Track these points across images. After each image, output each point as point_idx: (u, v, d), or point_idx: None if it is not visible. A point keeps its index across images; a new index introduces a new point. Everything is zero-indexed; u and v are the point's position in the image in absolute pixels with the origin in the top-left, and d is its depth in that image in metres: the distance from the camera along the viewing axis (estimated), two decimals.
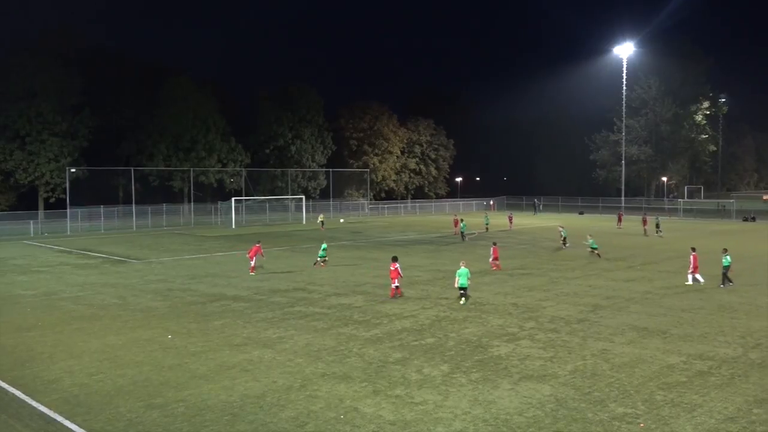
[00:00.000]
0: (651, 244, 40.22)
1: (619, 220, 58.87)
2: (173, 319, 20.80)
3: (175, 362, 15.95)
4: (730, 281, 25.61)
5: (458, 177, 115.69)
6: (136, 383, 14.42)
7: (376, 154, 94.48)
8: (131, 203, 64.28)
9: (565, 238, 40.81)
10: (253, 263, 29.56)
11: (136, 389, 14.06)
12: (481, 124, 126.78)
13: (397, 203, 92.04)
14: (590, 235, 38.59)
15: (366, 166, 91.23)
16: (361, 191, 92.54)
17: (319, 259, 31.85)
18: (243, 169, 77.10)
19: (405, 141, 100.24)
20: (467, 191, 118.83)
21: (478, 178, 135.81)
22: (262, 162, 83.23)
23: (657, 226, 50.74)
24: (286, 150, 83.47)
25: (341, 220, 65.38)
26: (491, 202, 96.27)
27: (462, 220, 48.64)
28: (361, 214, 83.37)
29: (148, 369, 15.41)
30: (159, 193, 72.84)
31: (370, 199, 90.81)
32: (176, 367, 15.53)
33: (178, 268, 32.29)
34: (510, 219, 55.02)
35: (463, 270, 22.78)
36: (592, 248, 36.06)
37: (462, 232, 44.46)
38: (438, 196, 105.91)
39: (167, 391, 13.90)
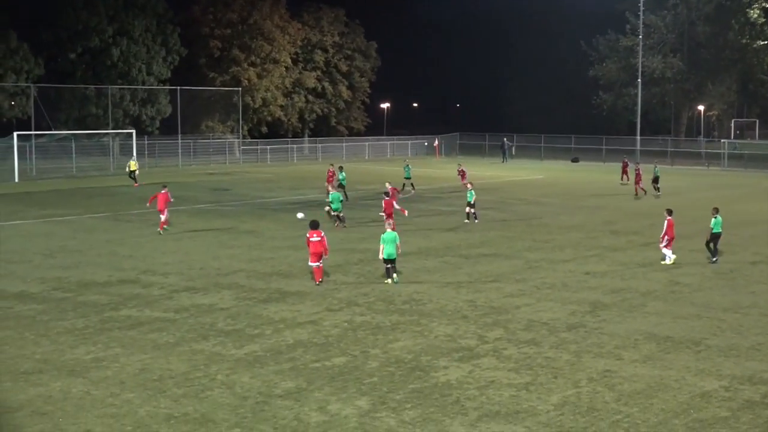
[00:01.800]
0: (676, 209, 41.59)
1: (624, 171, 60.74)
2: None
3: None
4: (714, 255, 29.12)
5: (384, 102, 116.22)
6: None
7: (253, 64, 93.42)
8: None
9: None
10: (164, 217, 35.40)
11: None
12: (422, 18, 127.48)
13: (287, 143, 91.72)
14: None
15: (237, 83, 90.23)
16: (228, 124, 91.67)
17: (334, 213, 36.80)
18: (31, 86, 74.91)
19: (299, 43, 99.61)
20: (399, 125, 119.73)
21: (415, 104, 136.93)
22: (64, 75, 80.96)
23: (655, 180, 52.64)
24: (105, 55, 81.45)
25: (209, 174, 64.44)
26: (435, 143, 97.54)
27: (341, 168, 50.15)
28: (229, 161, 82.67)
29: None
30: None
31: (244, 137, 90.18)
32: None
33: None
34: (462, 174, 55.45)
35: (389, 234, 24.92)
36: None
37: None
38: (352, 133, 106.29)
39: None
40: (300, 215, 32.53)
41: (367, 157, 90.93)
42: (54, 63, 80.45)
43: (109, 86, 79.26)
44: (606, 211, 44.13)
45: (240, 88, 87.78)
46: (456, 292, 24.38)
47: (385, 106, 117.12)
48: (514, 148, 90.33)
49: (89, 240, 33.80)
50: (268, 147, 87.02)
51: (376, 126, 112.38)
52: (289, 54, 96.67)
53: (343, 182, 47.99)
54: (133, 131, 71.92)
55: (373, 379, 16.80)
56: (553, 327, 20.64)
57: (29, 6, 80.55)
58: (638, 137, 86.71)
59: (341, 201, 38.04)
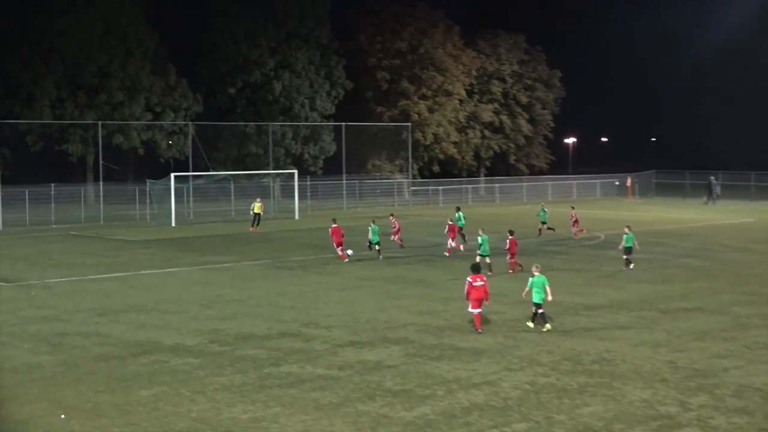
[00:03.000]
0: None
1: None
2: (69, 385, 20.84)
3: None
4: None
5: (569, 137, 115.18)
6: None
7: (424, 97, 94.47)
8: None
9: None
10: (341, 251, 41.45)
11: None
12: (612, 42, 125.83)
13: (461, 182, 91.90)
14: None
15: (406, 118, 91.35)
16: (396, 162, 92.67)
17: (371, 243, 43.11)
18: (189, 124, 77.76)
19: (474, 73, 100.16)
20: (585, 162, 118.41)
21: (604, 139, 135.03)
22: (223, 111, 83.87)
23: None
24: (266, 90, 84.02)
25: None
26: (628, 182, 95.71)
27: (458, 209, 51.97)
28: (398, 202, 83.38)
29: None
30: (44, 164, 73.78)
31: (413, 176, 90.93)
32: None
33: (78, 297, 32.74)
34: (574, 221, 52.86)
35: (538, 278, 26.32)
36: None
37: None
38: (533, 171, 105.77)
39: None
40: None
41: (550, 198, 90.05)
42: (213, 99, 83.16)
43: (270, 123, 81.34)
44: None
45: (410, 124, 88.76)
46: (653, 352, 23.69)
47: (570, 141, 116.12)
48: (719, 187, 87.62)
49: (248, 289, 34.48)
50: (440, 188, 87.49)
51: (560, 163, 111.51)
52: (463, 85, 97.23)
53: (461, 224, 49.02)
54: (295, 171, 73.17)
55: None
56: None
57: (188, 39, 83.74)
58: None
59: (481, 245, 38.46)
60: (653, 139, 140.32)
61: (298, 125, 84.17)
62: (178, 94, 78.22)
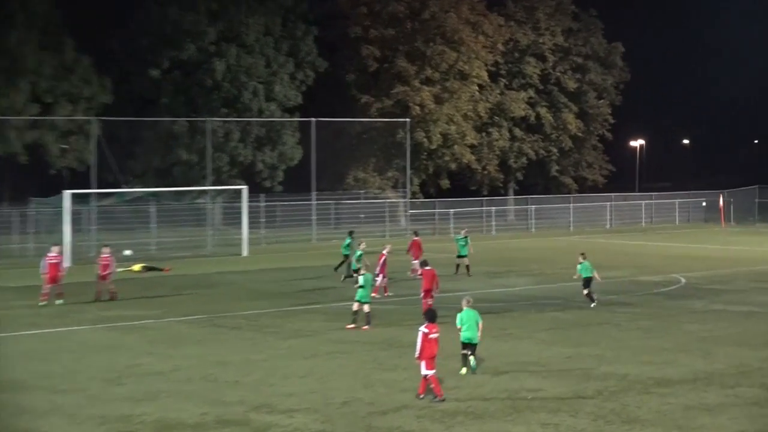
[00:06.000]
0: None
1: None
2: None
3: None
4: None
5: (635, 139, 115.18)
6: None
7: (430, 81, 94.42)
8: None
9: None
10: (380, 279, 45.83)
11: None
12: (698, 4, 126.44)
13: (481, 204, 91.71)
14: None
15: (404, 111, 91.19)
16: (389, 175, 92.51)
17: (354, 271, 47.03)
18: (93, 119, 77.56)
19: (501, 48, 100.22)
20: (658, 176, 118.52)
21: (686, 141, 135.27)
22: (142, 102, 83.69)
23: None
24: (203, 71, 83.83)
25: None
26: (720, 203, 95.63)
27: (350, 234, 57.84)
28: (390, 231, 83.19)
29: None
30: None
31: (414, 194, 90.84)
32: None
33: None
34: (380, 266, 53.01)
35: (466, 312, 29.84)
36: None
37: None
38: (584, 187, 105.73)
39: None
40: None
41: (608, 225, 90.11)
42: (127, 85, 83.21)
43: (209, 119, 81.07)
44: None
45: (408, 120, 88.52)
46: None
47: (636, 144, 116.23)
48: None
49: (174, 357, 34.12)
50: (451, 211, 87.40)
51: (622, 176, 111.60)
52: (485, 65, 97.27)
53: (345, 251, 53.51)
54: (244, 187, 72.86)
55: None
56: None
57: (95, 4, 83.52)
58: None
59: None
60: (755, 142, 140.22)
61: (248, 122, 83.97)
62: (77, 77, 78.15)
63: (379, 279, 47.19)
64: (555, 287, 49.66)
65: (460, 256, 57.30)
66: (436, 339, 26.94)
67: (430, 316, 27.69)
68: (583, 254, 44.71)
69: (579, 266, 44.06)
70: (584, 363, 32.41)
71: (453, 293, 45.94)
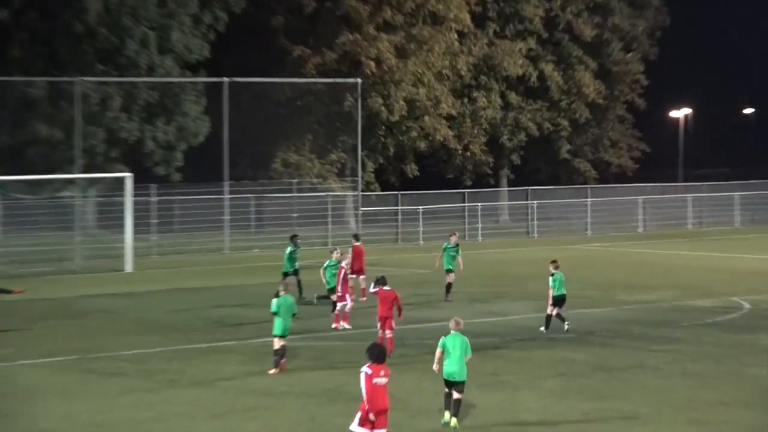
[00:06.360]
0: None
1: None
2: None
3: None
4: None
5: (676, 108, 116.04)
6: None
7: (389, 27, 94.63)
8: None
9: None
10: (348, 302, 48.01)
11: None
12: None
13: (461, 199, 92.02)
14: None
15: (352, 68, 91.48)
16: (331, 158, 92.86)
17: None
18: None
19: None
20: (710, 159, 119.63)
21: (748, 110, 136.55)
22: None
23: None
24: (70, 12, 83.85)
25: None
26: None
27: (293, 238, 61.34)
28: (334, 235, 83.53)
29: None
30: None
31: (367, 184, 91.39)
32: None
33: None
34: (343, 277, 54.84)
35: (453, 338, 29.58)
36: None
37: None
38: (606, 176, 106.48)
39: None
40: None
41: (641, 229, 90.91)
42: None
43: (80, 78, 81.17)
44: None
45: (359, 80, 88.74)
46: None
47: (679, 115, 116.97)
48: None
49: (26, 416, 33.83)
50: (420, 208, 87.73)
51: (660, 159, 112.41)
52: (468, 3, 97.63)
53: (290, 265, 56.52)
54: (129, 175, 73.61)
55: None
56: None
57: None
58: None
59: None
60: None
61: (134, 83, 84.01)
62: None
63: (348, 302, 48.79)
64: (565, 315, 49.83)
65: (448, 271, 57.63)
66: (383, 386, 26.00)
67: (376, 354, 26.63)
68: (554, 263, 45.92)
69: (550, 279, 45.26)
70: (609, 425, 32.62)
71: (420, 324, 46.24)
